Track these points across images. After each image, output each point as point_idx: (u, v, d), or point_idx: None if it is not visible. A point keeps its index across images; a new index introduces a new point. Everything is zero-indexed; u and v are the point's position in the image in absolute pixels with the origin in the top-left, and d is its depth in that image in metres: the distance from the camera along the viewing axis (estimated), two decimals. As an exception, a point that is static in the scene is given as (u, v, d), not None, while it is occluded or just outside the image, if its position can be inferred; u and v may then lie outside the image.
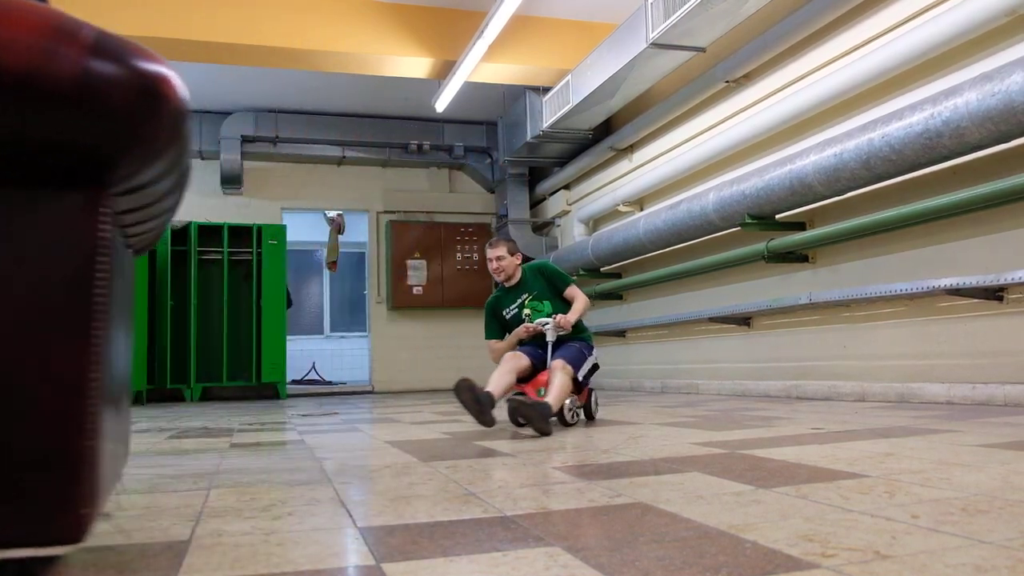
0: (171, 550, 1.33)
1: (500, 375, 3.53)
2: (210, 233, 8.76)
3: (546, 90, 7.65)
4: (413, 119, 9.71)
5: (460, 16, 6.94)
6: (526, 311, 3.84)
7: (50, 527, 1.01)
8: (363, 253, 10.80)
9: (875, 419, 3.38)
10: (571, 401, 3.51)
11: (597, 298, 7.87)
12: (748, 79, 5.87)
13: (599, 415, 3.99)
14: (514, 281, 3.92)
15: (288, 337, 9.07)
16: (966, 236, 4.12)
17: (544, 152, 8.63)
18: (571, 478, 2.01)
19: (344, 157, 9.74)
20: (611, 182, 8.06)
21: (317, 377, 10.74)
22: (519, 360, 3.64)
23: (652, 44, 5.64)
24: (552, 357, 3.62)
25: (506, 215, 9.50)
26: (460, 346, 9.36)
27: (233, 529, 1.49)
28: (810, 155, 4.66)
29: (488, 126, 9.90)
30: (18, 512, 1.00)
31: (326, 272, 11.16)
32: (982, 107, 3.53)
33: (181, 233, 8.64)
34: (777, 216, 5.30)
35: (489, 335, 3.97)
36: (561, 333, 3.72)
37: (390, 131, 9.71)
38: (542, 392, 3.46)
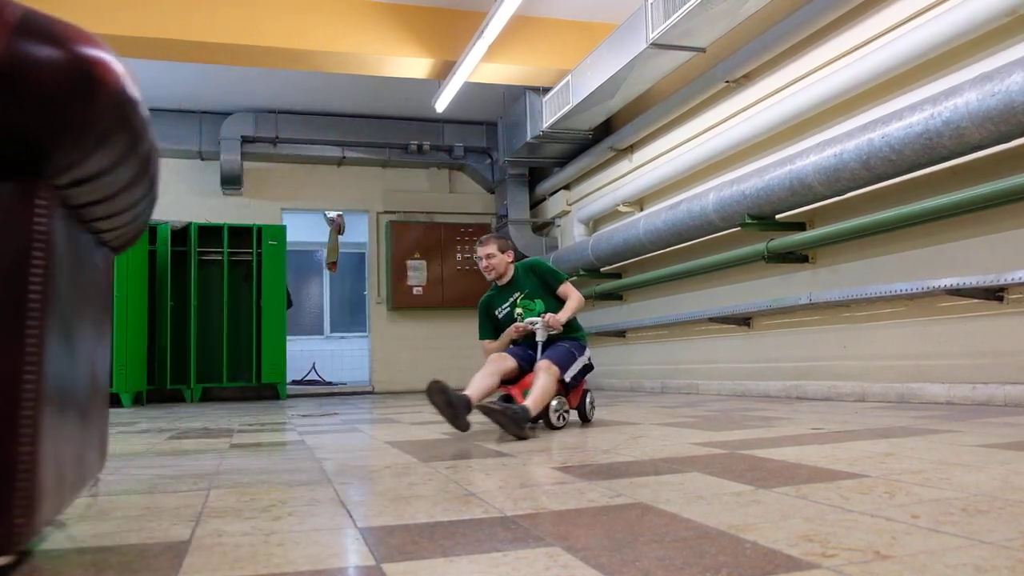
0: (171, 550, 1.33)
1: (481, 377, 3.44)
2: (210, 234, 8.75)
3: (546, 90, 7.64)
4: (413, 119, 9.71)
5: (460, 16, 6.94)
6: (518, 310, 3.76)
7: None
8: (363, 253, 10.79)
9: (875, 419, 3.38)
10: (557, 403, 3.42)
11: (597, 298, 7.87)
12: (748, 79, 5.87)
13: (596, 416, 3.92)
14: (506, 280, 3.85)
15: (288, 337, 9.07)
16: (966, 236, 4.11)
17: (544, 152, 8.62)
18: (571, 478, 2.01)
19: (344, 157, 9.74)
20: (611, 182, 8.06)
21: (317, 377, 10.73)
22: (503, 362, 3.54)
23: (652, 44, 5.64)
24: (540, 358, 3.52)
25: (506, 215, 9.49)
26: (460, 346, 9.35)
27: (233, 529, 1.49)
28: (810, 155, 4.66)
29: (488, 126, 9.90)
30: None
31: (326, 272, 11.15)
32: (982, 107, 3.53)
33: (181, 234, 8.65)
34: (777, 216, 5.30)
35: (483, 335, 3.89)
36: (552, 332, 3.61)
37: (390, 131, 9.71)
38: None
